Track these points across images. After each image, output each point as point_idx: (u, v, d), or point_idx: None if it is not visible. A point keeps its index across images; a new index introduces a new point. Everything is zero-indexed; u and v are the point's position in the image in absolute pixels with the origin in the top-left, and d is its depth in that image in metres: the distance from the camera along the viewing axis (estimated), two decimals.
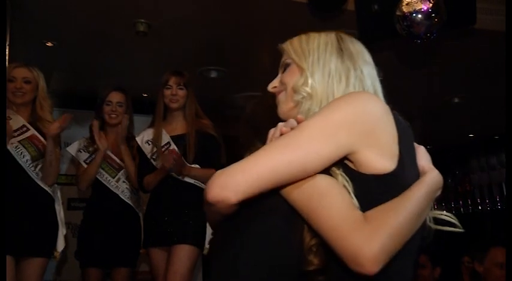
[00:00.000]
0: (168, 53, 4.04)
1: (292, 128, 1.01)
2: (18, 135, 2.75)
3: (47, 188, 2.79)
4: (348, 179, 0.99)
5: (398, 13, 2.61)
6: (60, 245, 2.79)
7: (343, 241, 0.90)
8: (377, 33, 2.91)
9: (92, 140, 3.23)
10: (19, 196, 2.67)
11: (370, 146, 0.98)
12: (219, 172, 0.98)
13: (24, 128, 2.80)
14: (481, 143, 6.56)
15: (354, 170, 1.00)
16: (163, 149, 2.96)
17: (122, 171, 3.24)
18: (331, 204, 0.94)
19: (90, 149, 3.24)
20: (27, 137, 2.77)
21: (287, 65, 1.19)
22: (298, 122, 1.02)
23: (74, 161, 3.63)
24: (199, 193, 2.55)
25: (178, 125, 3.02)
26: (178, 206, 2.86)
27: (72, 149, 3.32)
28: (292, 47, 1.18)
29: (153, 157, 2.99)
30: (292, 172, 0.95)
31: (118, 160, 3.24)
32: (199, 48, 4.03)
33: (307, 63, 1.14)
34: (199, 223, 2.78)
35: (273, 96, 1.25)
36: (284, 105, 1.19)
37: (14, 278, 2.56)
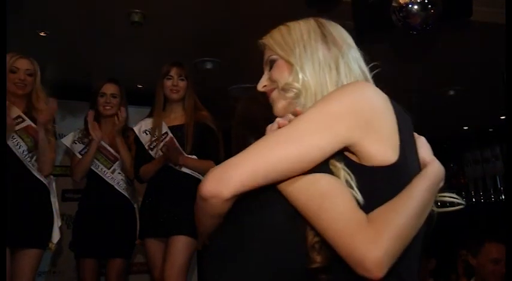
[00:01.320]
0: (163, 44, 4.03)
1: (290, 121, 1.00)
2: (14, 126, 2.74)
3: (43, 179, 2.79)
4: (350, 172, 0.97)
5: (394, 4, 2.61)
6: (56, 236, 2.80)
7: (347, 245, 0.89)
8: (373, 24, 2.91)
9: (86, 131, 3.24)
10: (15, 187, 2.66)
11: (370, 137, 0.95)
12: (214, 167, 0.97)
13: (20, 119, 2.80)
14: (475, 135, 6.59)
15: (355, 162, 0.98)
16: (161, 139, 2.97)
17: (117, 162, 3.25)
18: (332, 206, 0.92)
19: (85, 140, 3.26)
20: (23, 128, 2.77)
21: (273, 61, 1.15)
22: (297, 115, 1.00)
23: (68, 152, 3.64)
24: (197, 183, 2.55)
25: (177, 116, 3.03)
26: (176, 196, 2.87)
27: (67, 141, 3.33)
28: (275, 41, 1.14)
29: (151, 147, 3.00)
30: (289, 166, 0.93)
31: (113, 151, 3.25)
32: (195, 39, 4.01)
33: (294, 57, 1.10)
34: None
35: (263, 95, 1.21)
36: (279, 104, 1.15)
37: (10, 269, 2.56)
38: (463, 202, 1.13)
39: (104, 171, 3.23)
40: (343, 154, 0.99)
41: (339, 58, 1.09)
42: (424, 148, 1.10)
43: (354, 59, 1.11)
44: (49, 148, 2.79)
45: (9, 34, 3.20)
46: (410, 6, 2.52)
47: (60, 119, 4.23)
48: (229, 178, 0.92)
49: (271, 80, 1.16)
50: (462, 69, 4.75)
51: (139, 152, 3.04)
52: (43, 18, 3.65)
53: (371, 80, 1.12)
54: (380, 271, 0.87)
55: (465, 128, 6.67)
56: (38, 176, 2.77)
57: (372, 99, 0.98)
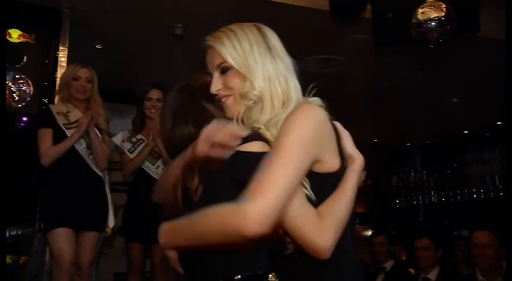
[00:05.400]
0: (201, 55, 4.08)
1: (235, 136, 1.03)
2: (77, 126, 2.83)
3: (99, 173, 2.88)
4: (305, 178, 1.04)
5: (414, 20, 2.64)
6: (111, 222, 2.90)
7: (305, 239, 1.00)
8: (391, 38, 2.94)
9: (134, 131, 3.32)
10: (78, 179, 2.78)
11: (324, 149, 1.05)
12: (239, 207, 0.93)
13: None
14: (475, 139, 6.58)
15: (310, 170, 1.04)
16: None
17: (160, 159, 3.31)
18: (293, 206, 0.98)
19: (133, 139, 3.32)
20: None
21: (226, 68, 1.14)
22: (238, 136, 1.04)
23: (117, 149, 3.72)
24: None
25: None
26: None
27: (117, 139, 3.40)
28: (226, 49, 1.13)
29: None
30: (294, 186, 0.98)
31: (158, 150, 3.32)
32: None
33: (248, 69, 1.11)
34: None
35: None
36: (233, 109, 1.15)
37: (75, 247, 2.68)
38: None
39: (149, 167, 3.30)
40: None
41: (284, 70, 1.14)
42: (348, 142, 1.14)
43: (294, 70, 1.17)
44: (103, 146, 2.88)
45: (72, 46, 3.34)
46: (428, 22, 2.56)
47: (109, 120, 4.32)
48: (270, 217, 0.92)
49: (226, 86, 1.16)
50: (466, 80, 4.74)
51: None
52: (100, 33, 3.77)
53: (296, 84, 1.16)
54: (328, 254, 1.01)
55: (465, 131, 6.64)
56: (96, 170, 2.87)
57: (321, 118, 1.06)
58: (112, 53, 4.04)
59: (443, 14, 2.56)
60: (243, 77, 1.12)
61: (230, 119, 1.15)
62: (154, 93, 3.34)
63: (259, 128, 1.09)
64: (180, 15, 3.56)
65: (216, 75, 1.17)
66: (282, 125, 1.04)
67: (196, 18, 3.55)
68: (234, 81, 1.13)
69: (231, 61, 1.13)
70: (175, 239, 1.09)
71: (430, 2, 2.59)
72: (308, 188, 1.04)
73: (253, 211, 0.90)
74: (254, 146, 1.06)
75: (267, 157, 0.99)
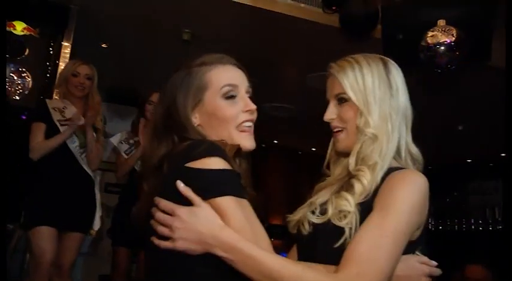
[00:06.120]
0: None
1: (167, 211, 0.95)
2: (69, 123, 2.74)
3: (90, 172, 2.79)
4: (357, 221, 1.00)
5: (423, 43, 2.57)
6: (96, 224, 2.79)
7: None
8: (400, 60, 2.85)
9: (133, 133, 3.24)
10: (67, 178, 2.68)
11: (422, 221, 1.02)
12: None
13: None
14: (478, 168, 6.48)
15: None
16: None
17: None
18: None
19: (131, 141, 3.25)
20: (78, 126, 2.77)
21: (343, 99, 1.11)
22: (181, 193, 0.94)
23: (115, 150, 3.64)
24: None
25: None
26: None
27: (115, 140, 3.32)
28: (349, 81, 1.09)
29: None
30: (398, 257, 0.95)
31: None
32: (235, 59, 4.02)
33: (365, 104, 1.07)
34: None
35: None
36: (346, 142, 1.12)
37: (57, 247, 2.57)
38: None
39: None
40: None
41: (399, 113, 1.09)
42: None
43: (406, 110, 1.12)
44: (97, 146, 2.80)
45: (77, 43, 3.28)
46: (438, 46, 2.47)
47: (108, 120, 4.27)
48: (379, 274, 0.90)
49: (341, 118, 1.12)
50: (473, 108, 4.65)
51: None
52: (106, 33, 3.72)
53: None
54: None
55: (469, 160, 6.54)
56: (87, 169, 2.77)
57: (426, 190, 1.01)
58: (117, 53, 3.98)
59: (453, 39, 2.47)
60: (357, 110, 1.09)
61: (340, 151, 1.14)
62: (156, 97, 3.27)
63: (376, 162, 1.05)
64: (188, 21, 3.51)
65: (333, 103, 1.14)
66: (390, 183, 1.01)
67: (204, 25, 3.49)
68: (349, 113, 1.10)
69: (350, 94, 1.09)
70: (245, 264, 0.91)
71: (441, 26, 2.51)
72: (353, 228, 1.00)
73: None
74: (213, 163, 0.95)
75: (372, 219, 0.96)
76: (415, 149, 1.12)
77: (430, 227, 6.68)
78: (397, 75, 1.12)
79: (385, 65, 1.12)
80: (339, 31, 3.02)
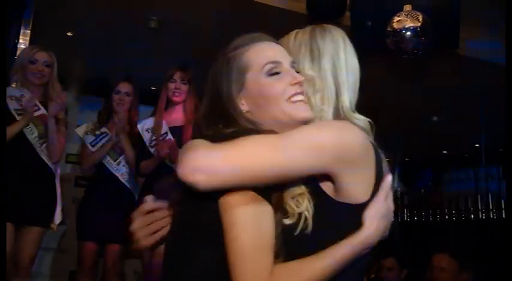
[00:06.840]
0: (176, 50, 3.91)
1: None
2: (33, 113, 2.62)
3: (50, 164, 2.67)
4: (311, 200, 0.90)
5: (389, 29, 2.52)
6: (57, 218, 2.68)
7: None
8: (369, 47, 2.79)
9: (99, 124, 3.12)
10: (25, 170, 2.57)
11: (351, 174, 0.89)
12: (196, 147, 0.83)
13: (36, 107, 2.68)
14: (453, 159, 6.52)
15: (327, 195, 0.91)
16: (160, 138, 2.83)
17: (123, 155, 3.12)
18: (244, 245, 0.82)
19: (97, 132, 3.13)
20: (37, 116, 2.65)
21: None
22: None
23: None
24: None
25: (178, 117, 2.90)
26: None
27: (80, 130, 3.21)
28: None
29: (151, 145, 2.86)
30: (273, 174, 0.84)
31: (120, 145, 3.12)
32: (205, 46, 3.92)
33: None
34: None
35: None
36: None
37: (12, 243, 2.45)
38: None
39: (111, 162, 3.10)
40: (319, 186, 0.92)
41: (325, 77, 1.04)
42: (376, 203, 0.92)
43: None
44: (59, 137, 2.68)
45: (40, 32, 3.14)
46: (403, 31, 2.42)
47: (78, 112, 4.13)
48: (213, 169, 0.80)
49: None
50: (447, 99, 4.64)
51: (141, 148, 2.91)
52: (71, 20, 3.59)
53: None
54: None
55: (444, 152, 6.57)
56: (47, 161, 2.65)
57: (357, 140, 0.92)
58: (83, 41, 3.84)
59: (419, 24, 2.42)
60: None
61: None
62: (123, 87, 3.16)
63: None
64: (154, 8, 3.39)
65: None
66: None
67: (171, 12, 3.39)
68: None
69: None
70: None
71: (407, 11, 2.45)
72: (310, 212, 0.89)
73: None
74: None
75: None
76: (349, 115, 1.03)
77: (405, 218, 6.76)
78: (320, 40, 1.06)
79: (312, 31, 1.08)
80: (307, 18, 2.95)
